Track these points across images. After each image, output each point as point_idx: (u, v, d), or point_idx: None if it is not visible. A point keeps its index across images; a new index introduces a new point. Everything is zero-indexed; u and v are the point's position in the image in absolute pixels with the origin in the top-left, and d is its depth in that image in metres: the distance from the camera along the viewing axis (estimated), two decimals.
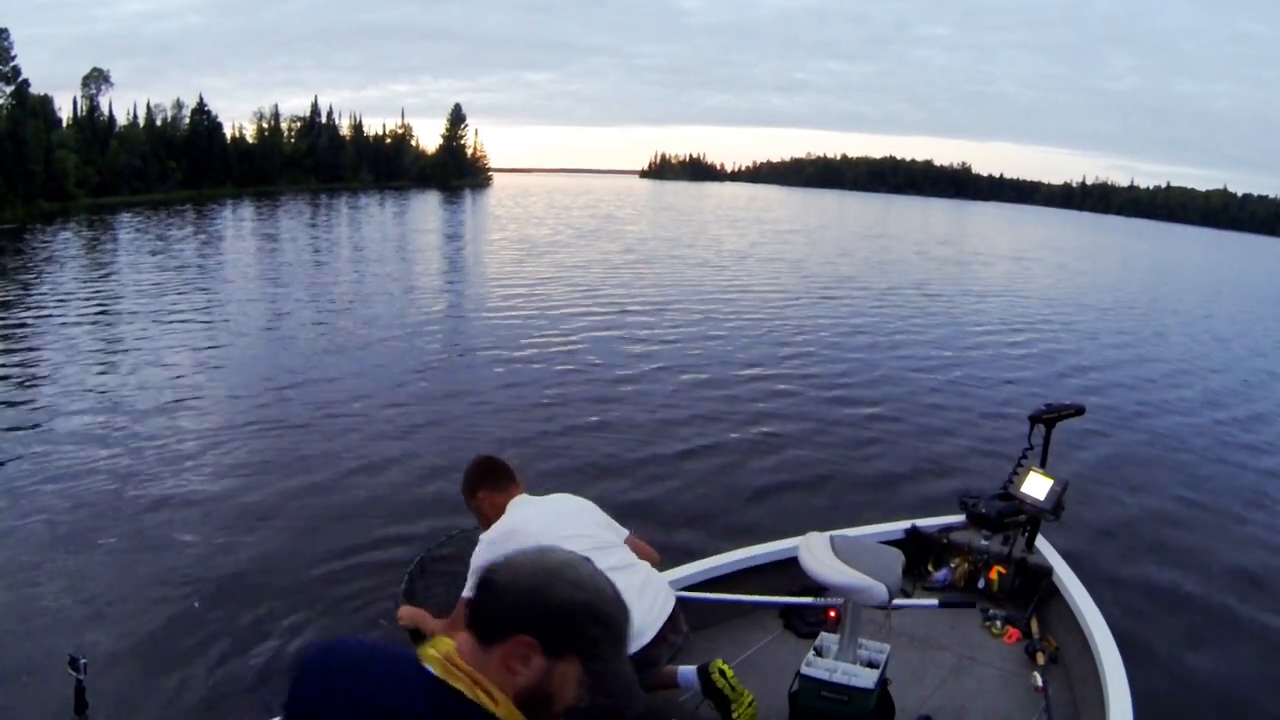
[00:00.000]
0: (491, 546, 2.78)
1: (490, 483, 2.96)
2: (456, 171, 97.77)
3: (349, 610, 4.77)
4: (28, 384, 9.42)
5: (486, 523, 2.94)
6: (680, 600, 3.37)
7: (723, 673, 3.00)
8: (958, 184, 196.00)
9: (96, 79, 61.10)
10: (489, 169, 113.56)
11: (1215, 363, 14.71)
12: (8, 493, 6.25)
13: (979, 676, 3.45)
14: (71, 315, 13.50)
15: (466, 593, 2.75)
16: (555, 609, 1.20)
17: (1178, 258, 52.33)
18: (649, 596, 2.88)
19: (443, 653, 1.22)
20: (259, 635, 4.46)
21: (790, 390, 10.26)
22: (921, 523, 4.39)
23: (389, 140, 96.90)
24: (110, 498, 6.23)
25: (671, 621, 2.89)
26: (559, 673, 1.22)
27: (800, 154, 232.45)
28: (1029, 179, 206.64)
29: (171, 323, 13.08)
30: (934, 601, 3.35)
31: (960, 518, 4.42)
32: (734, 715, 2.96)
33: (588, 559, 1.31)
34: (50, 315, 13.47)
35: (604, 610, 1.24)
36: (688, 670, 3.09)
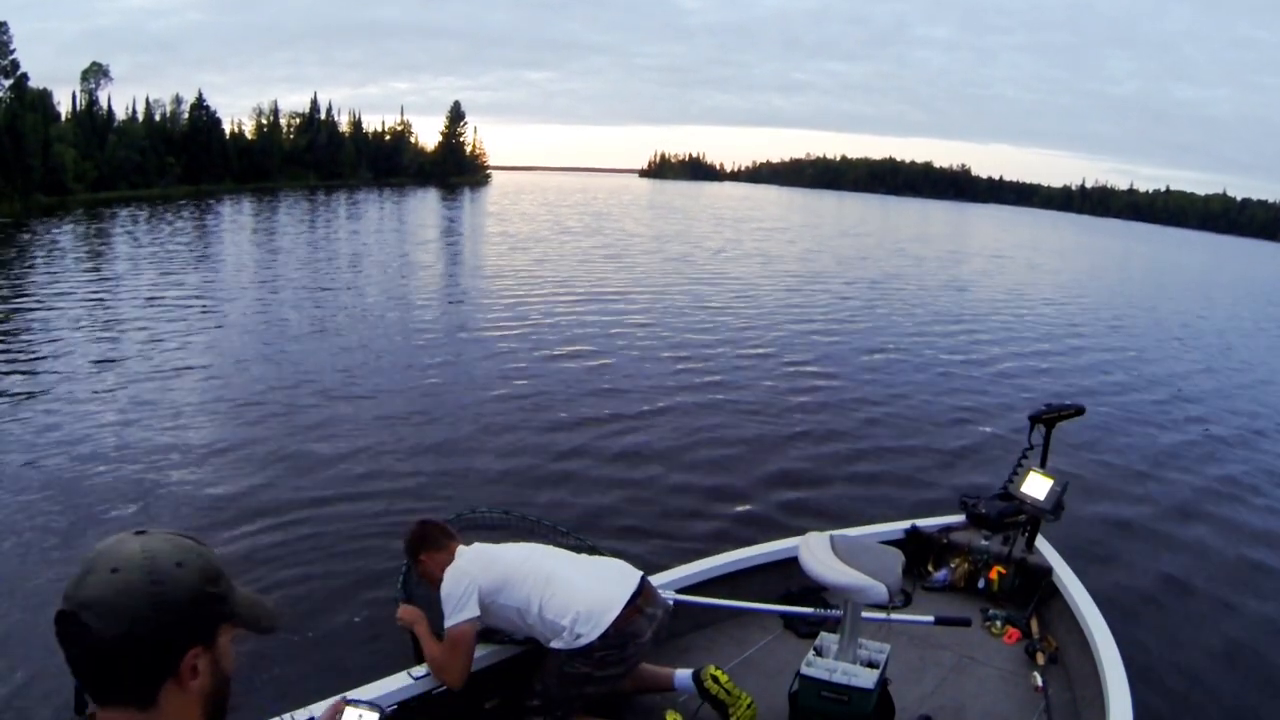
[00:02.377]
0: (459, 570, 2.87)
1: (430, 545, 3.04)
2: (455, 169, 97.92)
3: (349, 606, 4.74)
4: (24, 378, 9.38)
5: (433, 582, 2.99)
6: (679, 603, 3.39)
7: (715, 679, 3.00)
8: (957, 186, 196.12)
9: (96, 74, 61.06)
10: (488, 167, 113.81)
11: (1215, 362, 14.71)
12: (6, 490, 6.22)
13: (979, 676, 3.44)
14: (69, 309, 13.43)
15: (448, 621, 2.81)
16: (191, 606, 1.03)
17: (1174, 260, 52.43)
18: (603, 578, 2.95)
19: None
20: (259, 637, 4.42)
21: (788, 390, 10.23)
22: (921, 523, 4.38)
23: (388, 137, 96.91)
24: (109, 494, 6.20)
25: (641, 593, 2.92)
26: (222, 650, 1.08)
27: (800, 154, 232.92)
28: (1029, 181, 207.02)
29: (169, 317, 13.02)
30: (929, 619, 3.33)
31: (960, 518, 4.41)
32: (732, 718, 2.95)
33: (143, 530, 1.07)
34: (47, 309, 13.42)
35: (211, 563, 1.08)
36: (684, 674, 3.10)
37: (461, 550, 2.99)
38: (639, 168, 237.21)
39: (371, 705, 1.37)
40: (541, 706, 2.85)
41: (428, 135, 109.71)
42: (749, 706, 2.98)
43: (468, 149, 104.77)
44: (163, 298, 14.82)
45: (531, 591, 2.84)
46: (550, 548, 3.14)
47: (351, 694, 1.40)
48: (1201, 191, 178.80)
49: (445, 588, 2.83)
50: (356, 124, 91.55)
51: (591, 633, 2.77)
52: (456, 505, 4.66)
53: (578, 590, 2.85)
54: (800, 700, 2.87)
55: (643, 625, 2.86)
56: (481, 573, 2.85)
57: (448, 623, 2.80)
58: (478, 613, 2.82)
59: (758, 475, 7.21)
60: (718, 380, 10.46)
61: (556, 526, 3.69)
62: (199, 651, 1.04)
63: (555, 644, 2.82)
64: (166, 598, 1.00)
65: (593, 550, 3.44)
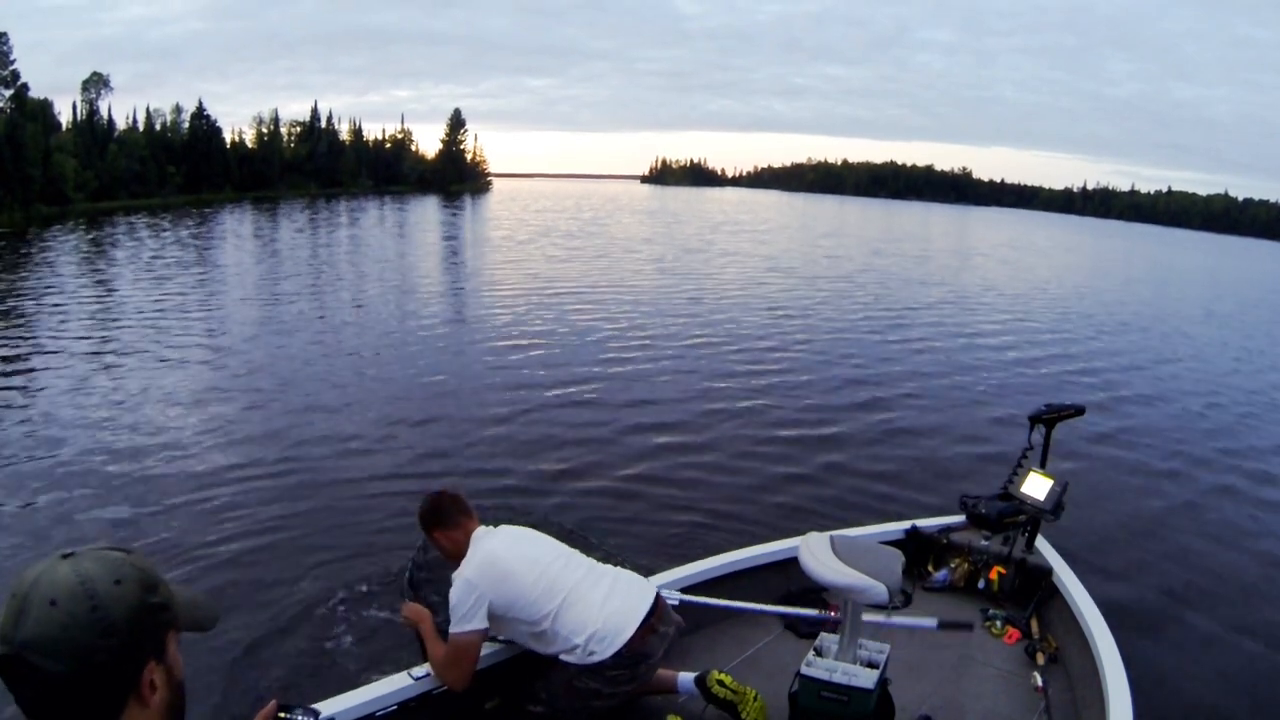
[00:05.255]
0: (469, 583, 2.77)
1: (445, 521, 2.97)
2: (456, 177, 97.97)
3: (354, 605, 4.74)
4: (25, 386, 9.40)
5: (447, 556, 2.97)
6: (679, 603, 3.38)
7: (721, 682, 3.00)
8: (959, 189, 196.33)
9: (96, 83, 61.31)
10: (488, 174, 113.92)
11: (1215, 363, 14.70)
12: (5, 491, 6.24)
13: (979, 676, 3.44)
14: (70, 319, 13.47)
15: (453, 629, 2.76)
16: (137, 622, 1.00)
17: (1176, 260, 52.45)
18: (620, 595, 2.91)
19: None
20: (259, 635, 4.43)
21: (788, 390, 10.24)
22: (921, 523, 4.37)
23: (389, 145, 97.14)
24: (109, 495, 6.21)
25: (655, 613, 2.90)
26: (172, 658, 1.06)
27: (801, 159, 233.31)
28: (1030, 184, 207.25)
29: (168, 323, 13.05)
30: (932, 623, 3.33)
31: (960, 518, 4.40)
32: (743, 716, 2.95)
33: (70, 553, 1.03)
34: (49, 319, 13.46)
35: (147, 573, 1.04)
36: (686, 678, 3.09)
37: (476, 545, 2.87)
38: (640, 174, 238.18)
39: (307, 711, 1.34)
40: (545, 714, 2.83)
41: (428, 143, 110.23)
42: (756, 699, 2.97)
43: (468, 156, 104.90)
44: (162, 305, 14.84)
45: (544, 610, 2.79)
46: (566, 556, 3.02)
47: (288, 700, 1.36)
48: (1203, 192, 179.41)
49: (454, 597, 2.76)
50: (357, 132, 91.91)
51: (605, 651, 2.75)
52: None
53: (593, 608, 2.81)
54: (800, 700, 2.87)
55: (655, 645, 2.85)
56: (491, 588, 2.77)
57: (453, 630, 2.76)
58: (485, 625, 2.77)
59: (757, 476, 7.20)
60: (717, 381, 10.46)
61: (573, 532, 3.66)
62: (153, 666, 1.02)
63: (566, 658, 2.79)
64: (111, 620, 0.97)
65: (608, 558, 3.41)
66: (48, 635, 0.94)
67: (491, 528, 3.00)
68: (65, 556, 1.00)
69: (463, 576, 2.78)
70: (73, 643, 0.95)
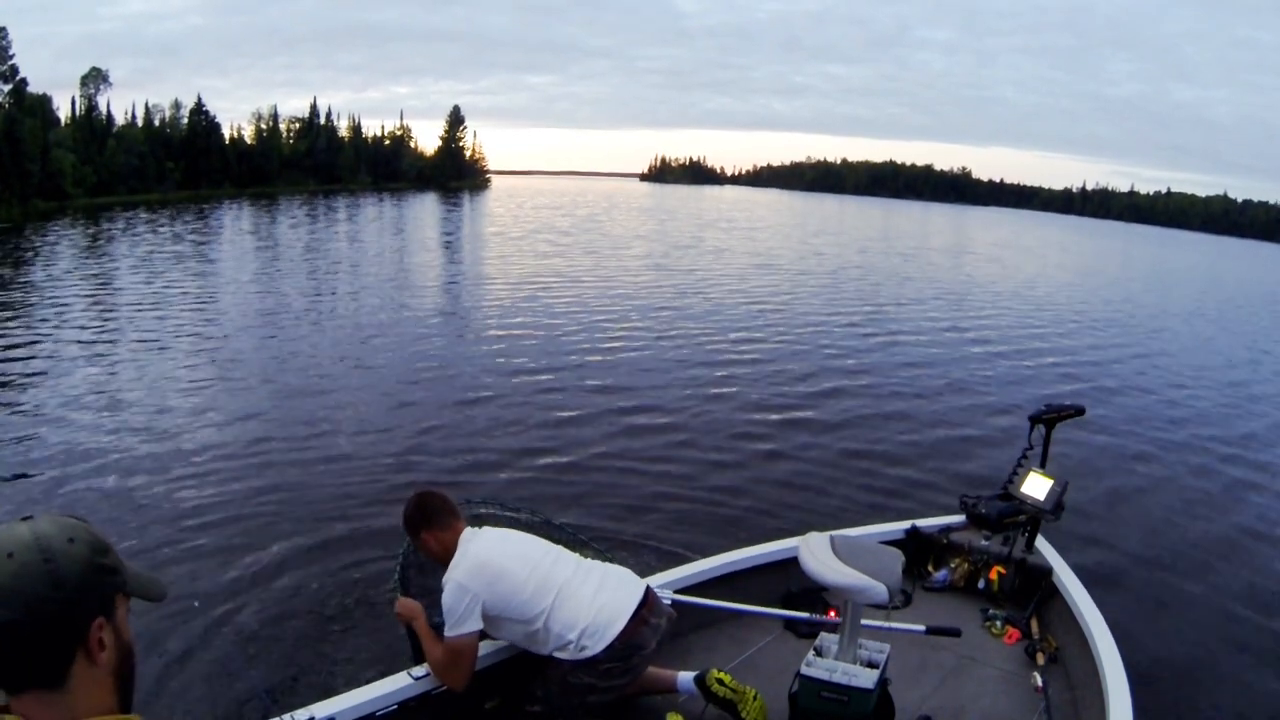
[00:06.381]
0: (461, 587, 2.76)
1: (434, 522, 2.94)
2: (455, 174, 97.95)
3: (351, 604, 4.73)
4: (18, 374, 9.38)
5: (434, 558, 2.95)
6: (678, 604, 3.38)
7: (720, 681, 3.00)
8: (958, 189, 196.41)
9: (95, 78, 61.19)
10: (487, 171, 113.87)
11: (1218, 363, 14.70)
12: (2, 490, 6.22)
13: (979, 676, 3.44)
14: (68, 314, 13.44)
15: (448, 633, 2.75)
16: (87, 578, 1.04)
17: (1174, 260, 52.50)
18: (610, 589, 2.91)
19: None
20: (257, 635, 4.42)
21: (788, 389, 10.23)
22: (921, 523, 4.37)
23: (388, 142, 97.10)
24: (107, 491, 6.19)
25: (646, 604, 2.90)
26: (121, 621, 1.10)
27: (801, 158, 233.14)
28: (1029, 184, 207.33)
29: (166, 319, 13.01)
30: (921, 628, 3.34)
31: (960, 518, 4.40)
32: (743, 715, 2.95)
33: (29, 516, 1.08)
34: (46, 314, 13.43)
35: (99, 538, 1.09)
36: (686, 677, 3.09)
37: (465, 547, 2.86)
38: (639, 171, 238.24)
39: None
40: (543, 713, 2.83)
41: (427, 139, 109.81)
42: (755, 698, 2.97)
43: (467, 153, 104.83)
44: (160, 301, 14.81)
45: (537, 608, 2.79)
46: (555, 554, 3.02)
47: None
48: (1202, 193, 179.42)
49: (446, 601, 2.76)
50: (356, 128, 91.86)
51: (597, 645, 2.76)
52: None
53: (584, 603, 2.82)
54: (800, 700, 2.86)
55: (647, 636, 2.85)
56: (484, 589, 2.76)
57: (448, 633, 2.75)
58: (480, 626, 2.78)
59: (758, 475, 7.19)
60: (717, 380, 10.44)
61: (563, 526, 3.66)
62: (102, 623, 1.06)
63: (559, 655, 2.80)
64: (62, 574, 1.02)
65: (597, 553, 3.42)
66: (1, 584, 0.99)
67: (477, 529, 2.99)
68: (24, 519, 1.07)
69: (454, 580, 2.77)
70: (24, 592, 0.99)
